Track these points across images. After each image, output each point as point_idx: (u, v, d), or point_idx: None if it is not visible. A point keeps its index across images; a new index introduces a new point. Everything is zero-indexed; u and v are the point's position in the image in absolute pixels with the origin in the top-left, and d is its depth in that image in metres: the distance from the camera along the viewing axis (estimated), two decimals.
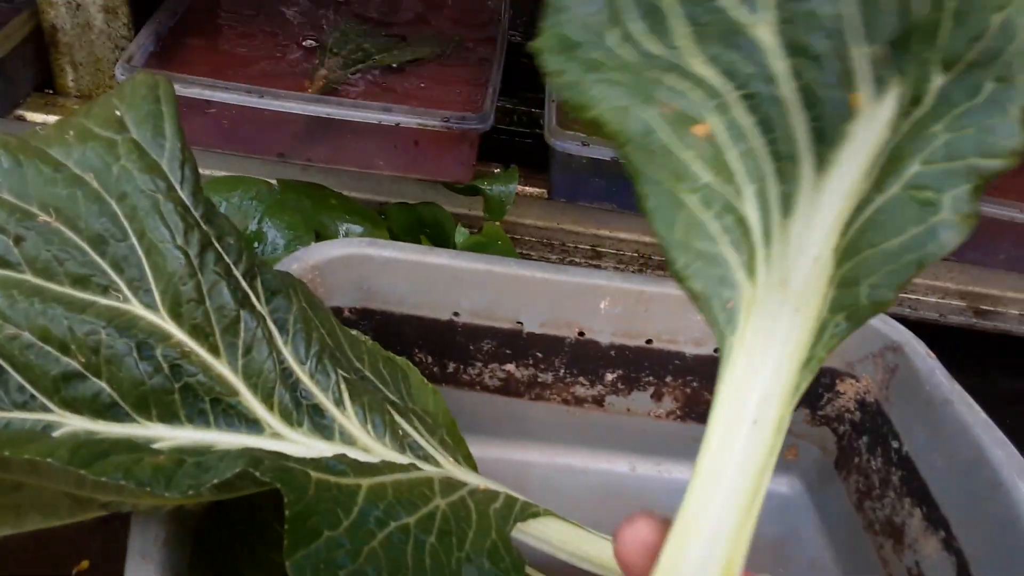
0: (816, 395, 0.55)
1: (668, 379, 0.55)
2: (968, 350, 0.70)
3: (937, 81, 0.25)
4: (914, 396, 0.50)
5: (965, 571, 0.44)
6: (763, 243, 0.26)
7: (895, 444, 0.51)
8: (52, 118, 0.74)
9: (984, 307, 0.74)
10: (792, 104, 0.26)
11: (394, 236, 0.64)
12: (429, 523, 0.36)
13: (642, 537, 0.28)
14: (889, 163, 0.26)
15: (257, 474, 0.29)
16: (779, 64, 0.25)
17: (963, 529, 0.45)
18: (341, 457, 0.35)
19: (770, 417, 0.26)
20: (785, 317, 0.26)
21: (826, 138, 0.26)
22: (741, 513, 0.26)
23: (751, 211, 0.27)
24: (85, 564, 0.49)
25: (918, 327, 0.53)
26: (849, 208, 0.26)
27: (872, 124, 0.25)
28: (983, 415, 0.46)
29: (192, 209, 0.35)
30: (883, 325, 0.52)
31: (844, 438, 0.56)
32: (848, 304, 0.26)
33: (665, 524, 0.28)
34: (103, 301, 0.34)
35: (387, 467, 0.36)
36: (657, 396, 0.55)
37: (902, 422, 0.51)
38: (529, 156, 0.73)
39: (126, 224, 0.34)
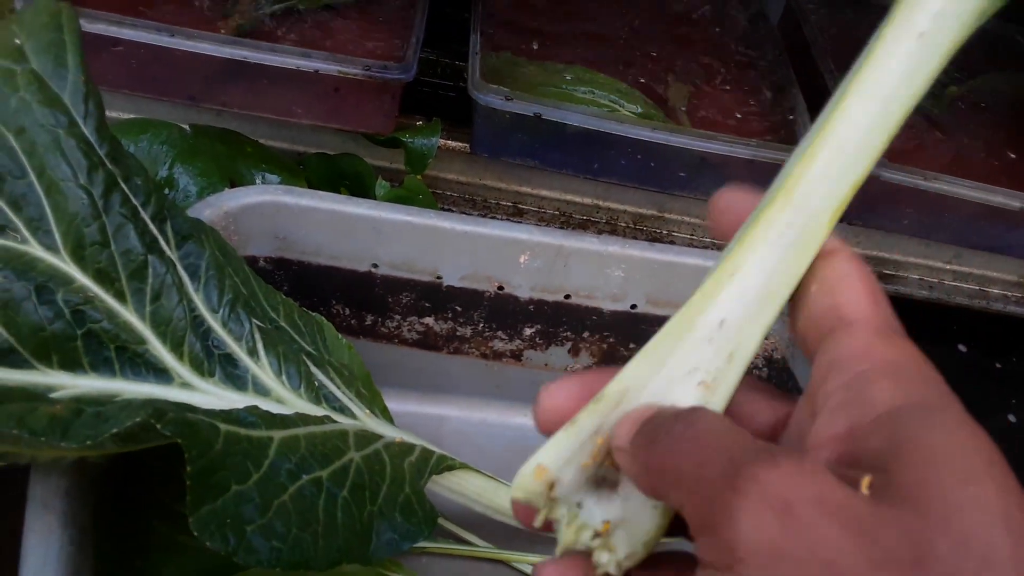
0: None
1: (585, 334, 0.55)
2: None
3: None
4: None
5: None
6: None
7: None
8: None
9: (887, 271, 0.77)
10: None
11: (313, 187, 0.63)
12: (342, 476, 0.36)
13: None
14: None
15: (159, 426, 0.28)
16: None
17: None
18: (253, 409, 0.34)
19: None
20: None
21: None
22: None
23: None
24: None
25: None
26: None
27: None
28: None
29: (96, 147, 0.33)
30: None
31: None
32: None
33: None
34: None
35: (301, 419, 0.36)
36: (574, 351, 0.56)
37: (806, 379, 0.52)
38: (452, 110, 0.72)
39: (24, 160, 0.32)
